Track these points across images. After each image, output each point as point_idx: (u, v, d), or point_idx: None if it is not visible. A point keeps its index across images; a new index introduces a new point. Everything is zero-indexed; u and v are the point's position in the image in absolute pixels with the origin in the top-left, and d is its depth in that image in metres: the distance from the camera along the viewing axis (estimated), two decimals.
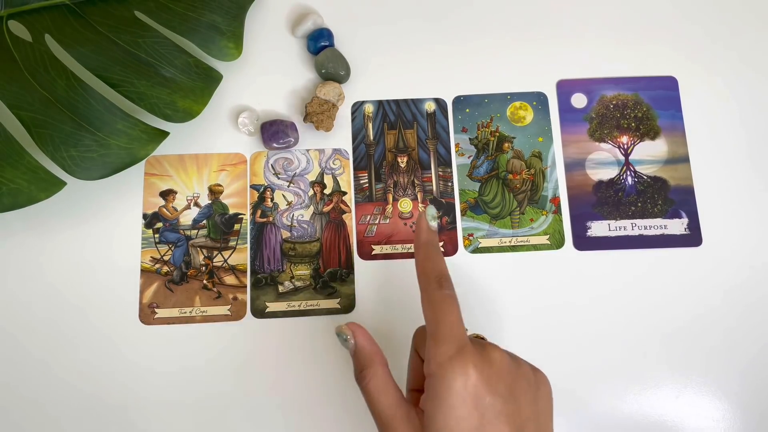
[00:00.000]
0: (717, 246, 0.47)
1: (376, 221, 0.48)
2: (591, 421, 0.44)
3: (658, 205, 0.48)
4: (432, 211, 0.37)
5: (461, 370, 0.31)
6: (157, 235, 0.48)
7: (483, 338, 0.37)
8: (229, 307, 0.46)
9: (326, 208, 0.48)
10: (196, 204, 0.48)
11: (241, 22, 0.49)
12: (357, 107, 0.51)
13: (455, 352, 0.32)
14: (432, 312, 0.34)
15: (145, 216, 0.48)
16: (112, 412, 0.44)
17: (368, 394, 0.34)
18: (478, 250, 0.48)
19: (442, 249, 0.47)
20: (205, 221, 0.48)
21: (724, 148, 0.50)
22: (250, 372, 0.45)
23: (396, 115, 0.50)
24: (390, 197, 0.49)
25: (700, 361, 0.45)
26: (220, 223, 0.48)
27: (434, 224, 0.36)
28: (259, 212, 0.48)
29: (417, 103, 0.51)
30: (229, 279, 0.47)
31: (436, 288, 0.34)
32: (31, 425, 0.44)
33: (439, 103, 0.51)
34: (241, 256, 0.47)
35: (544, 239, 0.48)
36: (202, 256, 0.47)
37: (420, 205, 0.46)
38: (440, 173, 0.49)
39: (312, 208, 0.48)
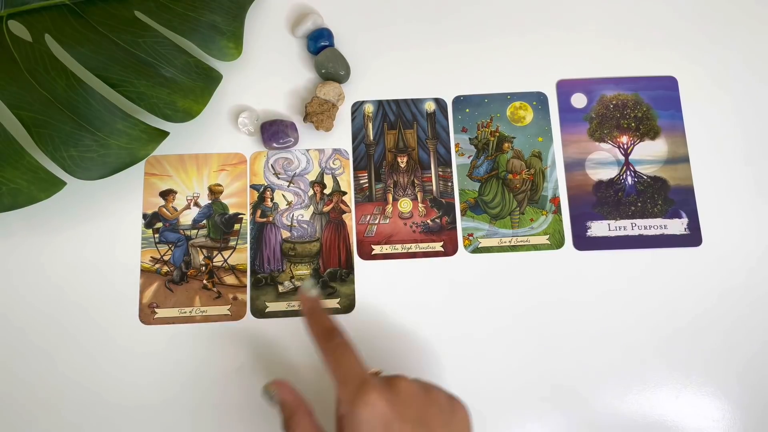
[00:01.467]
0: (717, 246, 0.47)
1: (376, 221, 0.48)
2: (591, 421, 0.44)
3: (658, 205, 0.48)
4: (307, 284, 0.41)
5: (366, 400, 0.33)
6: (157, 235, 0.48)
7: (379, 372, 0.38)
8: (229, 307, 0.46)
9: (326, 208, 0.48)
10: (196, 204, 0.48)
11: (241, 22, 0.49)
12: (357, 107, 0.51)
13: (358, 386, 0.34)
14: (329, 362, 0.36)
15: (145, 216, 0.48)
16: (112, 411, 0.44)
17: None
18: (478, 250, 0.48)
19: (441, 249, 0.47)
20: (205, 221, 0.48)
21: (723, 148, 0.50)
22: (250, 372, 0.45)
23: (396, 115, 0.50)
24: (390, 197, 0.49)
25: (699, 361, 0.45)
26: (220, 223, 0.48)
27: (314, 292, 0.40)
28: (259, 212, 0.48)
29: (417, 103, 0.51)
30: (229, 279, 0.47)
31: (327, 341, 0.37)
32: (32, 424, 0.44)
33: (439, 103, 0.51)
34: (241, 256, 0.47)
35: (544, 239, 0.48)
36: (202, 256, 0.47)
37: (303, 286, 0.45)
38: (440, 173, 0.49)
39: (312, 208, 0.48)
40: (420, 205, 0.49)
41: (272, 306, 0.46)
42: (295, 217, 0.48)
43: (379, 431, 0.33)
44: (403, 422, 0.33)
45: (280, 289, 0.47)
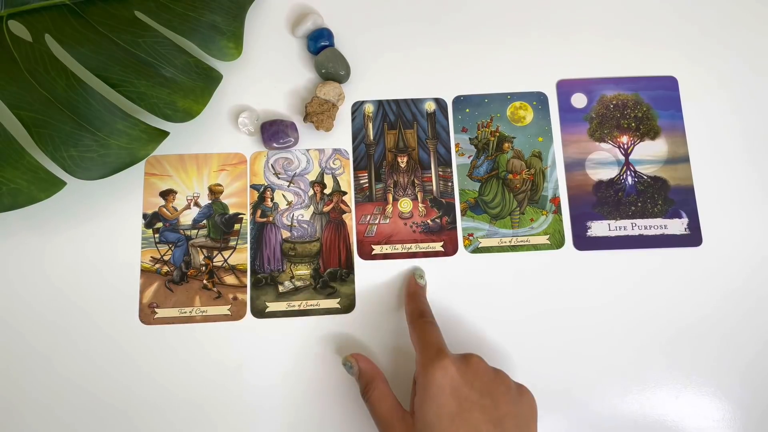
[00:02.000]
0: (717, 246, 0.47)
1: (376, 221, 0.48)
2: (591, 420, 0.44)
3: (658, 205, 0.48)
4: (419, 271, 0.46)
5: (440, 365, 0.37)
6: (157, 235, 0.48)
7: None
8: (229, 307, 0.46)
9: (326, 208, 0.48)
10: (196, 204, 0.48)
11: (241, 22, 0.49)
12: (357, 107, 0.51)
13: (435, 354, 0.38)
14: (416, 334, 0.41)
15: (145, 216, 0.48)
16: (112, 411, 0.44)
17: (371, 404, 0.40)
18: (478, 250, 0.48)
19: (442, 249, 0.47)
20: (205, 221, 0.48)
21: (724, 148, 0.50)
22: (250, 372, 0.45)
23: (396, 115, 0.50)
24: (390, 197, 0.49)
25: (700, 361, 0.45)
26: (220, 223, 0.48)
27: (422, 282, 0.45)
28: (259, 212, 0.48)
29: (417, 103, 0.51)
30: (229, 279, 0.47)
31: (418, 318, 0.41)
32: (33, 424, 0.44)
33: (439, 103, 0.51)
34: (241, 256, 0.47)
35: (544, 239, 0.48)
36: (202, 256, 0.47)
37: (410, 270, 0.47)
38: (440, 173, 0.49)
39: (312, 208, 0.48)
40: (420, 205, 0.49)
41: (272, 306, 0.46)
42: (295, 217, 0.48)
43: (447, 392, 0.36)
44: (470, 389, 0.36)
45: (280, 289, 0.47)
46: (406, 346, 0.45)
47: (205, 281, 0.47)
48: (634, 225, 0.48)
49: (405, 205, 0.49)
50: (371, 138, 0.50)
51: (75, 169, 0.43)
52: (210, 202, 0.48)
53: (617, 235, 0.48)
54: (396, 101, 0.51)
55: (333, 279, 0.47)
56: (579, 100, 0.51)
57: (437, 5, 0.53)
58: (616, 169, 0.49)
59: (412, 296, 0.44)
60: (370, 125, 0.50)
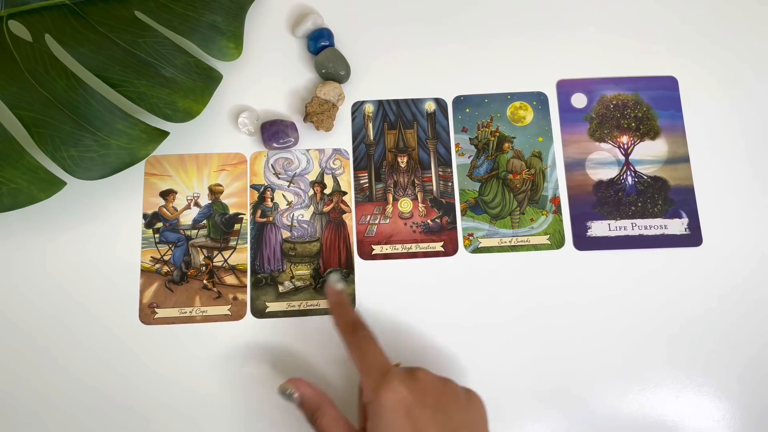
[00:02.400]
0: (717, 246, 0.47)
1: (376, 221, 0.48)
2: (591, 420, 0.44)
3: (658, 205, 0.48)
4: (334, 277, 0.45)
5: (390, 388, 0.36)
6: (157, 235, 0.48)
7: (399, 364, 0.40)
8: (229, 307, 0.46)
9: (326, 208, 0.48)
10: (196, 204, 0.48)
11: (241, 22, 0.49)
12: (357, 107, 0.51)
13: (382, 375, 0.37)
14: (354, 353, 0.39)
15: (145, 216, 0.48)
16: (112, 411, 0.44)
17: (323, 431, 0.38)
18: (478, 250, 0.48)
19: (441, 249, 0.47)
20: (205, 221, 0.48)
21: (724, 148, 0.50)
22: (250, 372, 0.45)
23: (396, 115, 0.50)
24: (390, 197, 0.49)
25: (700, 361, 0.45)
26: (220, 223, 0.48)
27: (339, 286, 0.43)
28: (259, 212, 0.48)
29: (417, 103, 0.51)
30: (229, 279, 0.47)
31: (352, 333, 0.40)
32: (33, 423, 0.44)
33: (439, 103, 0.51)
34: (241, 256, 0.47)
35: (544, 239, 0.48)
36: (202, 256, 0.47)
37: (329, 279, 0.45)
38: (440, 173, 0.49)
39: (312, 208, 0.48)
40: (420, 205, 0.49)
41: (272, 306, 0.46)
42: (295, 217, 0.48)
43: (401, 415, 0.35)
44: (423, 407, 0.35)
45: (280, 289, 0.47)
46: (407, 345, 0.45)
47: (205, 281, 0.47)
48: (634, 225, 0.48)
49: (405, 205, 0.49)
50: (371, 138, 0.50)
51: (75, 169, 0.43)
52: (210, 202, 0.48)
53: (617, 235, 0.48)
54: (396, 101, 0.51)
55: None
56: (579, 100, 0.51)
57: (437, 5, 0.53)
58: (616, 169, 0.49)
59: (336, 307, 0.41)
60: (370, 125, 0.50)
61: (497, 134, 0.50)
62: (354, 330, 0.40)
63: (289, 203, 0.49)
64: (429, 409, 0.35)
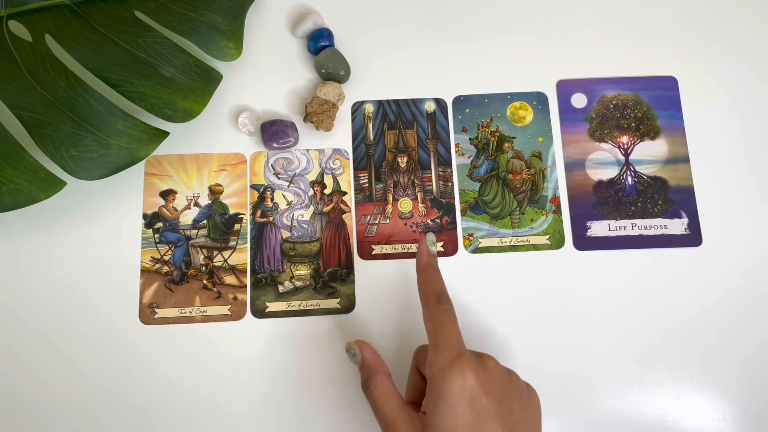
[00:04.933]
0: (717, 246, 0.47)
1: (376, 221, 0.48)
2: (591, 421, 0.44)
3: (658, 205, 0.48)
4: (431, 237, 0.41)
5: (459, 372, 0.34)
6: (157, 235, 0.48)
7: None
8: (229, 307, 0.46)
9: (326, 208, 0.48)
10: (196, 204, 0.48)
11: (241, 22, 0.49)
12: (357, 107, 0.51)
13: (454, 357, 0.35)
14: (432, 324, 0.37)
15: (145, 216, 0.48)
16: (112, 411, 0.44)
17: (373, 400, 0.38)
18: (478, 250, 0.48)
19: (442, 249, 0.47)
20: (205, 221, 0.48)
21: (723, 148, 0.50)
22: (250, 372, 0.45)
23: (396, 115, 0.50)
24: (390, 197, 0.49)
25: (700, 361, 0.45)
26: (220, 223, 0.48)
27: (433, 249, 0.41)
28: (259, 212, 0.48)
29: (417, 103, 0.51)
30: (229, 279, 0.47)
31: (435, 303, 0.38)
32: (33, 423, 0.44)
33: (439, 103, 0.51)
34: (241, 256, 0.47)
35: (544, 239, 0.48)
36: (202, 256, 0.47)
37: (420, 232, 0.44)
38: (440, 173, 0.49)
39: (312, 208, 0.48)
40: (420, 205, 0.49)
41: (272, 306, 0.46)
42: (295, 217, 0.48)
43: (466, 402, 0.34)
44: (489, 399, 0.34)
45: (280, 289, 0.47)
46: (407, 348, 0.45)
47: (205, 281, 0.47)
48: (634, 225, 0.48)
49: (405, 205, 0.49)
50: (371, 138, 0.50)
51: (75, 169, 0.43)
52: (210, 202, 0.48)
53: (617, 235, 0.48)
54: (396, 101, 0.51)
55: (333, 279, 0.47)
56: (579, 100, 0.51)
57: (437, 6, 0.53)
58: (616, 169, 0.49)
59: (425, 271, 0.40)
60: (370, 125, 0.50)
61: (497, 134, 0.50)
62: (438, 300, 0.38)
63: (289, 203, 0.49)
64: (494, 402, 0.35)
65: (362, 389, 0.39)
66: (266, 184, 0.49)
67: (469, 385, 0.34)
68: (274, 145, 0.48)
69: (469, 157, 0.50)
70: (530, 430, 0.36)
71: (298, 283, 0.47)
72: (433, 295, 0.39)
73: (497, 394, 0.35)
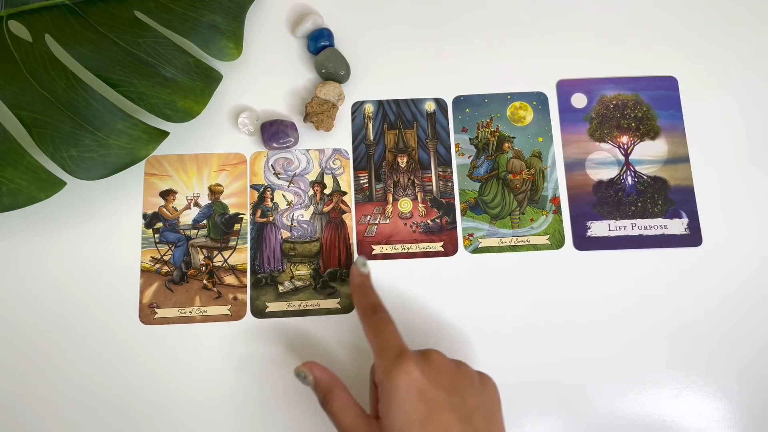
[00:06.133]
0: (717, 246, 0.47)
1: (376, 221, 0.48)
2: (591, 420, 0.44)
3: (658, 205, 0.48)
4: (361, 259, 0.44)
5: (403, 368, 0.35)
6: (157, 235, 0.48)
7: None
8: (229, 307, 0.46)
9: (326, 208, 0.48)
10: (196, 204, 0.48)
11: (241, 22, 0.49)
12: (357, 107, 0.51)
13: (396, 356, 0.36)
14: (371, 333, 0.39)
15: (145, 216, 0.48)
16: (112, 411, 0.44)
17: (333, 414, 0.38)
18: (478, 250, 0.48)
19: (441, 249, 0.47)
20: (205, 221, 0.48)
21: (723, 148, 0.50)
22: (250, 372, 0.45)
23: (396, 115, 0.50)
24: (390, 197, 0.49)
25: (700, 361, 0.45)
26: (220, 223, 0.48)
27: (364, 269, 0.43)
28: (259, 212, 0.48)
29: (417, 103, 0.51)
30: (229, 279, 0.47)
31: (372, 314, 0.40)
32: (33, 423, 0.44)
33: (439, 103, 0.51)
34: (241, 256, 0.47)
35: (544, 239, 0.48)
36: (202, 256, 0.47)
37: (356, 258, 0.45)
38: (440, 173, 0.49)
39: (312, 208, 0.48)
40: (420, 205, 0.49)
41: (272, 306, 0.46)
42: (295, 217, 0.48)
43: (414, 396, 0.35)
44: (437, 389, 0.35)
45: (280, 289, 0.47)
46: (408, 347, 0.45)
47: (205, 281, 0.47)
48: (634, 225, 0.48)
49: (405, 205, 0.49)
50: (371, 138, 0.50)
51: (75, 169, 0.43)
52: (210, 202, 0.48)
53: (617, 235, 0.48)
54: (396, 101, 0.51)
55: (333, 279, 0.47)
56: (579, 100, 0.51)
57: (437, 6, 0.53)
58: (616, 169, 0.49)
59: (359, 288, 0.42)
60: (370, 125, 0.50)
61: (497, 134, 0.50)
62: (373, 311, 0.40)
63: (289, 203, 0.49)
64: (443, 392, 0.35)
65: (321, 407, 0.39)
66: (266, 184, 0.49)
67: (415, 378, 0.35)
68: (274, 145, 0.48)
69: (469, 157, 0.50)
70: (487, 417, 0.36)
71: (298, 283, 0.47)
72: (369, 308, 0.40)
73: (445, 385, 0.35)
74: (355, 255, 0.47)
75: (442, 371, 0.36)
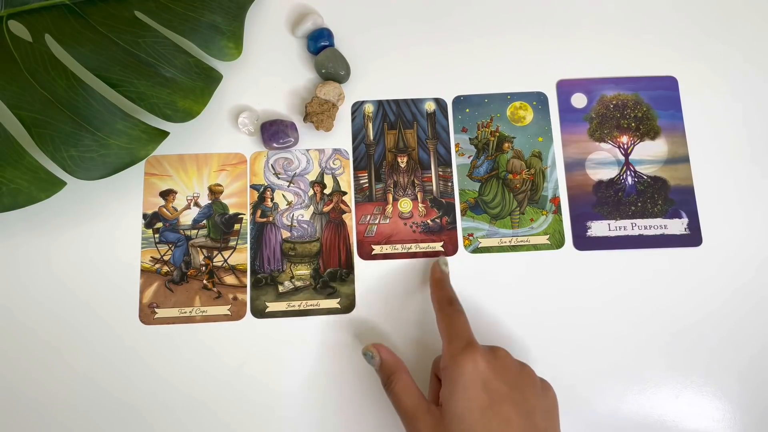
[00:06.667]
0: (717, 246, 0.47)
1: (376, 221, 0.48)
2: (591, 420, 0.44)
3: (658, 205, 0.48)
4: (443, 259, 0.45)
5: (471, 358, 0.37)
6: (157, 235, 0.48)
7: None
8: (229, 307, 0.46)
9: (326, 208, 0.48)
10: (196, 204, 0.48)
11: (241, 22, 0.49)
12: (357, 107, 0.51)
13: (465, 345, 0.37)
14: (444, 322, 0.40)
15: (145, 216, 0.48)
16: (112, 411, 0.44)
17: (395, 396, 0.39)
18: (478, 250, 0.48)
19: (441, 249, 0.47)
20: (205, 221, 0.48)
21: (724, 148, 0.50)
22: (250, 372, 0.45)
23: (396, 115, 0.50)
24: (390, 197, 0.49)
25: (700, 361, 0.45)
26: (220, 223, 0.48)
27: (446, 269, 0.45)
28: (259, 212, 0.48)
29: (417, 103, 0.51)
30: (229, 279, 0.47)
31: (447, 305, 0.41)
32: (33, 423, 0.44)
33: (439, 103, 0.51)
34: (241, 256, 0.47)
35: (544, 239, 0.48)
36: (202, 256, 0.47)
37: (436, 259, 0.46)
38: (440, 173, 0.49)
39: (312, 208, 0.48)
40: (420, 205, 0.49)
41: (272, 306, 0.46)
42: (295, 217, 0.48)
43: (479, 385, 0.36)
44: (501, 382, 0.36)
45: (280, 289, 0.47)
46: (406, 347, 0.45)
47: (205, 281, 0.47)
48: (634, 225, 0.48)
49: (405, 205, 0.49)
50: (371, 138, 0.50)
51: (75, 169, 0.43)
52: (210, 202, 0.48)
53: (617, 235, 0.48)
54: (396, 101, 0.51)
55: (333, 279, 0.47)
56: (579, 100, 0.51)
57: (437, 6, 0.53)
58: (616, 169, 0.49)
59: (438, 283, 0.43)
60: (370, 125, 0.50)
61: (497, 134, 0.50)
62: (450, 303, 0.41)
63: (289, 203, 0.49)
64: (506, 386, 0.36)
65: (383, 387, 0.40)
66: (266, 184, 0.49)
67: (481, 369, 0.36)
68: (274, 145, 0.48)
69: (469, 157, 0.50)
70: (546, 418, 0.37)
71: (298, 283, 0.47)
72: (446, 300, 0.42)
73: (509, 380, 0.36)
74: (355, 255, 0.47)
75: (507, 367, 0.37)
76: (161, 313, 0.46)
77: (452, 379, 0.36)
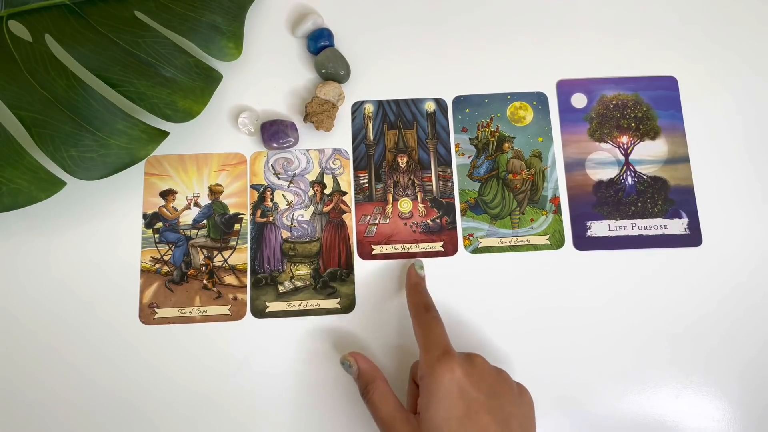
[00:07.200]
0: (717, 246, 0.47)
1: (376, 221, 0.48)
2: (591, 420, 0.44)
3: (658, 205, 0.48)
4: (419, 263, 0.45)
5: (447, 367, 0.36)
6: (157, 235, 0.48)
7: None
8: (229, 307, 0.46)
9: (326, 208, 0.48)
10: (196, 204, 0.48)
11: (241, 22, 0.49)
12: (357, 107, 0.51)
13: (441, 353, 0.37)
14: (421, 330, 0.40)
15: (145, 216, 0.48)
16: (112, 411, 0.44)
17: (372, 404, 0.39)
18: (478, 250, 0.48)
19: (441, 249, 0.47)
20: (205, 221, 0.48)
21: (724, 148, 0.50)
22: (249, 372, 0.45)
23: (396, 115, 0.50)
24: (390, 197, 0.49)
25: (700, 361, 0.45)
26: (220, 223, 0.48)
27: (422, 272, 0.45)
28: (259, 212, 0.48)
29: (417, 103, 0.51)
30: (229, 279, 0.47)
31: (424, 312, 0.41)
32: (34, 422, 0.44)
33: (439, 103, 0.51)
34: (241, 256, 0.47)
35: (544, 239, 0.48)
36: (202, 256, 0.47)
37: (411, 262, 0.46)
38: (440, 173, 0.49)
39: (312, 208, 0.48)
40: (420, 205, 0.49)
41: (272, 306, 0.46)
42: (295, 217, 0.48)
43: (456, 395, 0.36)
44: (477, 391, 0.36)
45: (280, 289, 0.47)
46: (406, 346, 0.45)
47: (205, 281, 0.47)
48: (634, 225, 0.48)
49: (405, 205, 0.49)
50: (371, 138, 0.50)
51: (75, 169, 0.43)
52: (210, 202, 0.48)
53: (617, 235, 0.48)
54: (396, 101, 0.51)
55: (333, 279, 0.47)
56: (579, 100, 0.51)
57: (437, 6, 0.53)
58: (616, 169, 0.49)
59: (414, 288, 0.43)
60: (370, 125, 0.50)
61: (497, 134, 0.50)
62: (426, 309, 0.41)
63: (289, 203, 0.49)
64: (483, 394, 0.36)
65: (361, 396, 0.40)
66: (266, 184, 0.49)
67: (457, 378, 0.36)
68: (274, 145, 0.48)
69: (469, 157, 0.50)
70: (522, 424, 0.37)
71: (298, 283, 0.47)
72: (422, 306, 0.41)
73: (486, 388, 0.37)
74: (355, 255, 0.47)
75: (484, 375, 0.37)
76: (161, 313, 0.46)
77: (429, 388, 0.36)
